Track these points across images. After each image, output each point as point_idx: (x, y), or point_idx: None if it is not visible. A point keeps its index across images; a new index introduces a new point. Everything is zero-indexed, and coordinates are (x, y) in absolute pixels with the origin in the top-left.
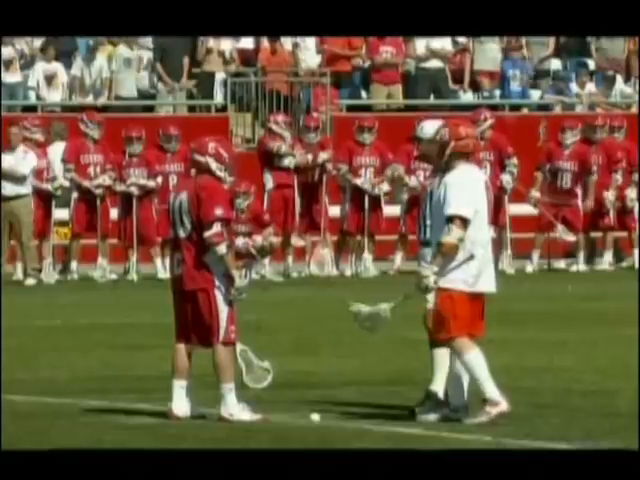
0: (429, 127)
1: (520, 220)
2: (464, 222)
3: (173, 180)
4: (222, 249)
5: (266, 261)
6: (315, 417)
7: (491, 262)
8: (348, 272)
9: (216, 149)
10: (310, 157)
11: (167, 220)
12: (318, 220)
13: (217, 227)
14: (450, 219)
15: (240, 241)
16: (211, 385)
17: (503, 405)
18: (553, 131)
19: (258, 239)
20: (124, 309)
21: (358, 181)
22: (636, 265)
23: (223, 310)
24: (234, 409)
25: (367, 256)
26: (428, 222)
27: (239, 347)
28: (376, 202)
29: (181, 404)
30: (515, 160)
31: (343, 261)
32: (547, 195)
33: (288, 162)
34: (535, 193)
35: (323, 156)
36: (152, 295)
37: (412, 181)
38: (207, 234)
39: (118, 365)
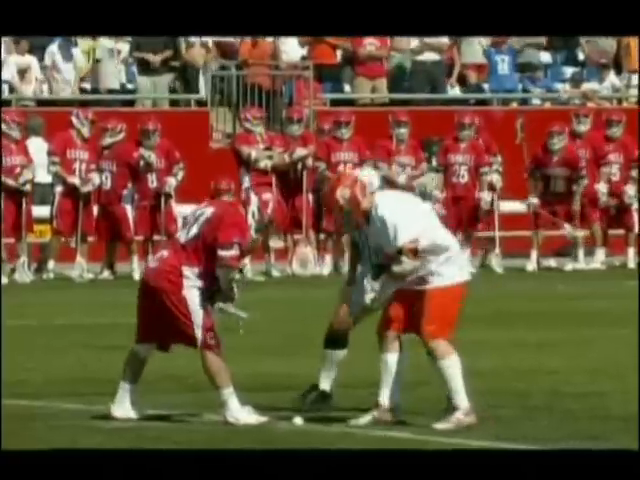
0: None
1: (509, 218)
2: (414, 251)
3: (152, 175)
4: (234, 274)
5: (246, 260)
6: (298, 420)
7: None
8: (326, 271)
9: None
10: (287, 156)
11: (148, 218)
12: (300, 218)
13: (236, 250)
14: (399, 251)
15: None
16: (191, 388)
17: (473, 417)
18: (536, 126)
19: None
20: (101, 309)
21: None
22: (631, 264)
23: (196, 313)
24: (239, 413)
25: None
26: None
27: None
28: None
29: (122, 407)
30: (499, 158)
31: (322, 261)
32: (541, 198)
33: (264, 165)
34: (533, 199)
35: (300, 153)
36: (130, 295)
37: (401, 179)
38: (225, 254)
39: (95, 367)
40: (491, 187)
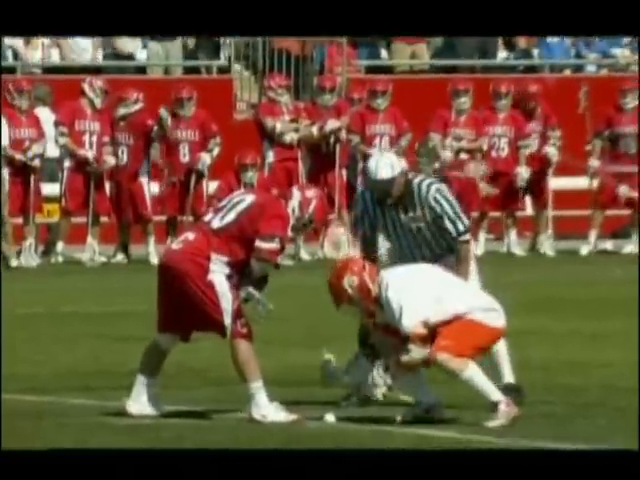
0: (384, 168)
1: (563, 196)
2: (423, 339)
3: (184, 149)
4: (270, 268)
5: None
6: (330, 418)
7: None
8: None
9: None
10: (316, 129)
11: (175, 196)
12: (332, 196)
13: (277, 244)
14: (406, 338)
15: None
16: (214, 382)
17: (514, 408)
18: (599, 96)
19: None
20: (114, 296)
21: (373, 152)
22: None
23: (225, 298)
24: (267, 409)
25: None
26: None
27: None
28: None
29: (138, 402)
30: (559, 132)
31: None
32: (608, 163)
33: (290, 139)
34: (594, 162)
35: (331, 125)
36: (146, 280)
37: (445, 154)
38: (265, 246)
39: (108, 359)
40: (546, 162)
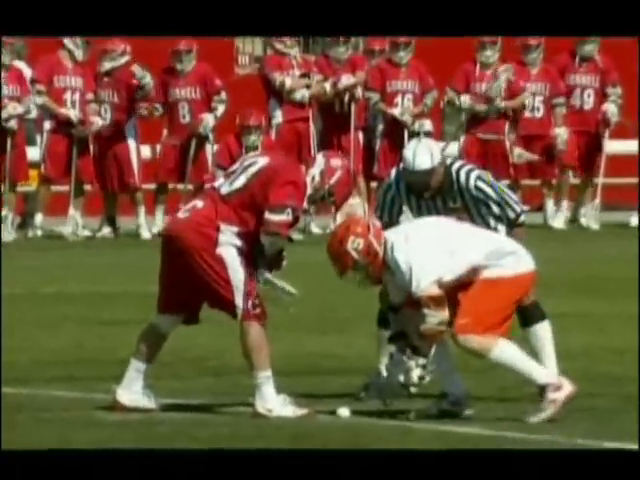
0: (422, 158)
1: (612, 162)
2: (438, 300)
3: (183, 109)
4: (281, 242)
5: None
6: (344, 412)
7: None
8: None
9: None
10: (329, 85)
11: (173, 162)
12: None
13: (288, 216)
14: (420, 302)
15: None
16: (213, 371)
17: (568, 387)
18: None
19: None
20: (101, 274)
21: (395, 111)
22: None
23: (236, 273)
24: (273, 403)
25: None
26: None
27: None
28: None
29: (131, 391)
30: (619, 90)
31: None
32: None
33: (300, 97)
34: None
35: (346, 81)
36: (136, 257)
37: (464, 102)
38: (273, 218)
39: (93, 346)
40: (604, 122)
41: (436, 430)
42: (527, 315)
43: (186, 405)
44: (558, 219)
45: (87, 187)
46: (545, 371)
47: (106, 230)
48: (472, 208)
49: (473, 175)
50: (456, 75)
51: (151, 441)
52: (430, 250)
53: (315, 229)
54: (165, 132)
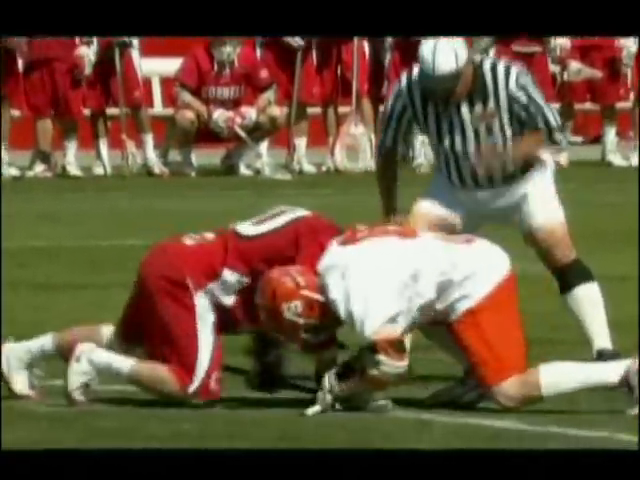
0: (445, 59)
1: None
2: (397, 346)
3: None
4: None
5: (263, 147)
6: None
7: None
8: None
9: None
10: None
11: (96, 82)
12: (348, 78)
13: None
14: (372, 347)
15: (222, 115)
16: None
17: (628, 364)
18: None
19: (250, 112)
20: (28, 224)
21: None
22: None
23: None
24: None
25: (420, 137)
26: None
27: None
28: None
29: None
30: None
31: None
32: None
33: None
34: None
35: None
36: (76, 200)
37: None
38: None
39: (23, 317)
40: None
41: (458, 424)
42: (567, 277)
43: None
44: (619, 154)
45: (15, 113)
46: (610, 366)
47: (39, 168)
48: (504, 113)
49: (514, 72)
50: None
51: (94, 440)
52: (376, 284)
53: (307, 167)
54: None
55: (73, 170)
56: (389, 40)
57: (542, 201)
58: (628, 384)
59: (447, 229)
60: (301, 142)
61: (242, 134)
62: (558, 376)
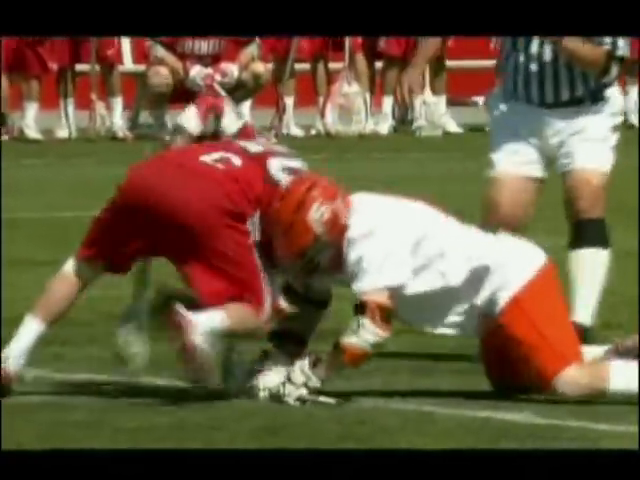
0: None
1: None
2: (386, 315)
3: None
4: None
5: (245, 107)
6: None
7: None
8: (384, 128)
9: None
10: None
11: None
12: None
13: None
14: (360, 306)
15: (200, 72)
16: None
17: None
18: None
19: (232, 68)
20: None
21: None
22: None
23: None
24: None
25: (431, 99)
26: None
27: None
28: None
29: (19, 355)
30: None
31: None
32: None
33: None
34: None
35: None
36: (36, 167)
37: None
38: None
39: None
40: None
41: (463, 417)
42: (581, 234)
43: (114, 382)
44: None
45: None
46: None
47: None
48: None
49: None
50: None
51: (62, 436)
52: (397, 250)
53: (295, 130)
54: None
55: (32, 133)
56: None
57: (593, 140)
58: None
59: (533, 190)
60: (287, 102)
61: (222, 93)
62: (630, 373)
